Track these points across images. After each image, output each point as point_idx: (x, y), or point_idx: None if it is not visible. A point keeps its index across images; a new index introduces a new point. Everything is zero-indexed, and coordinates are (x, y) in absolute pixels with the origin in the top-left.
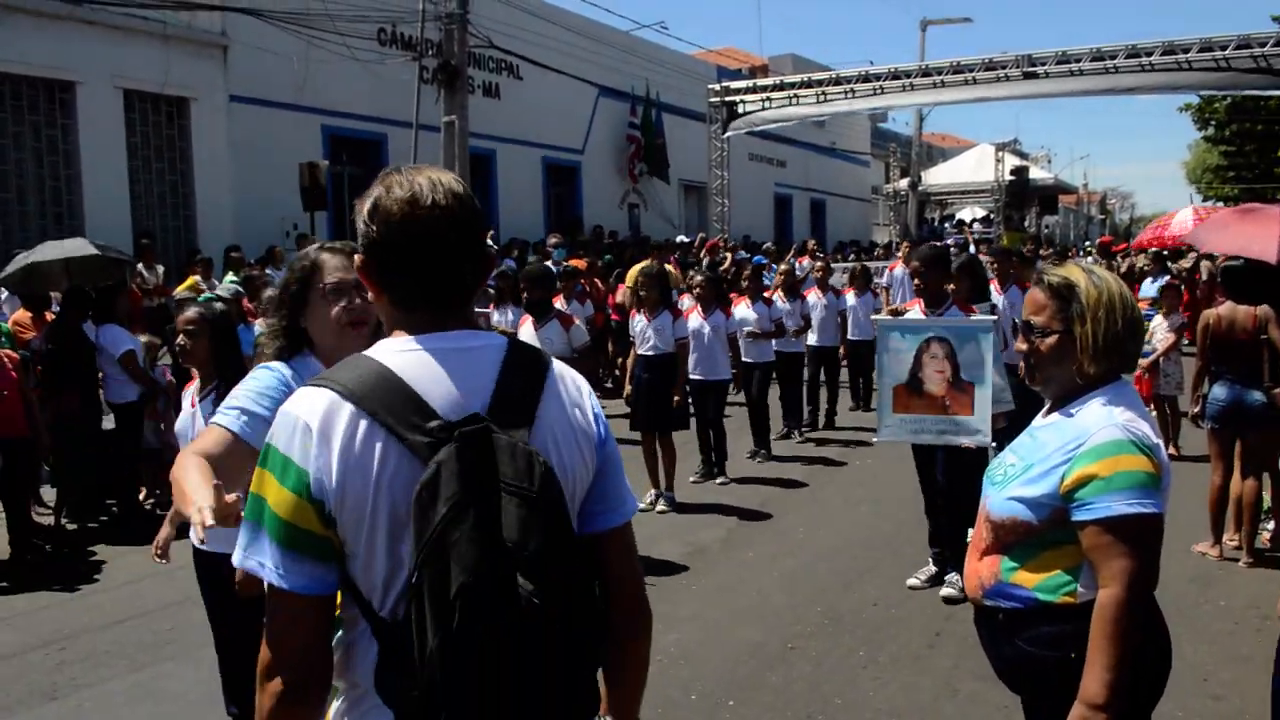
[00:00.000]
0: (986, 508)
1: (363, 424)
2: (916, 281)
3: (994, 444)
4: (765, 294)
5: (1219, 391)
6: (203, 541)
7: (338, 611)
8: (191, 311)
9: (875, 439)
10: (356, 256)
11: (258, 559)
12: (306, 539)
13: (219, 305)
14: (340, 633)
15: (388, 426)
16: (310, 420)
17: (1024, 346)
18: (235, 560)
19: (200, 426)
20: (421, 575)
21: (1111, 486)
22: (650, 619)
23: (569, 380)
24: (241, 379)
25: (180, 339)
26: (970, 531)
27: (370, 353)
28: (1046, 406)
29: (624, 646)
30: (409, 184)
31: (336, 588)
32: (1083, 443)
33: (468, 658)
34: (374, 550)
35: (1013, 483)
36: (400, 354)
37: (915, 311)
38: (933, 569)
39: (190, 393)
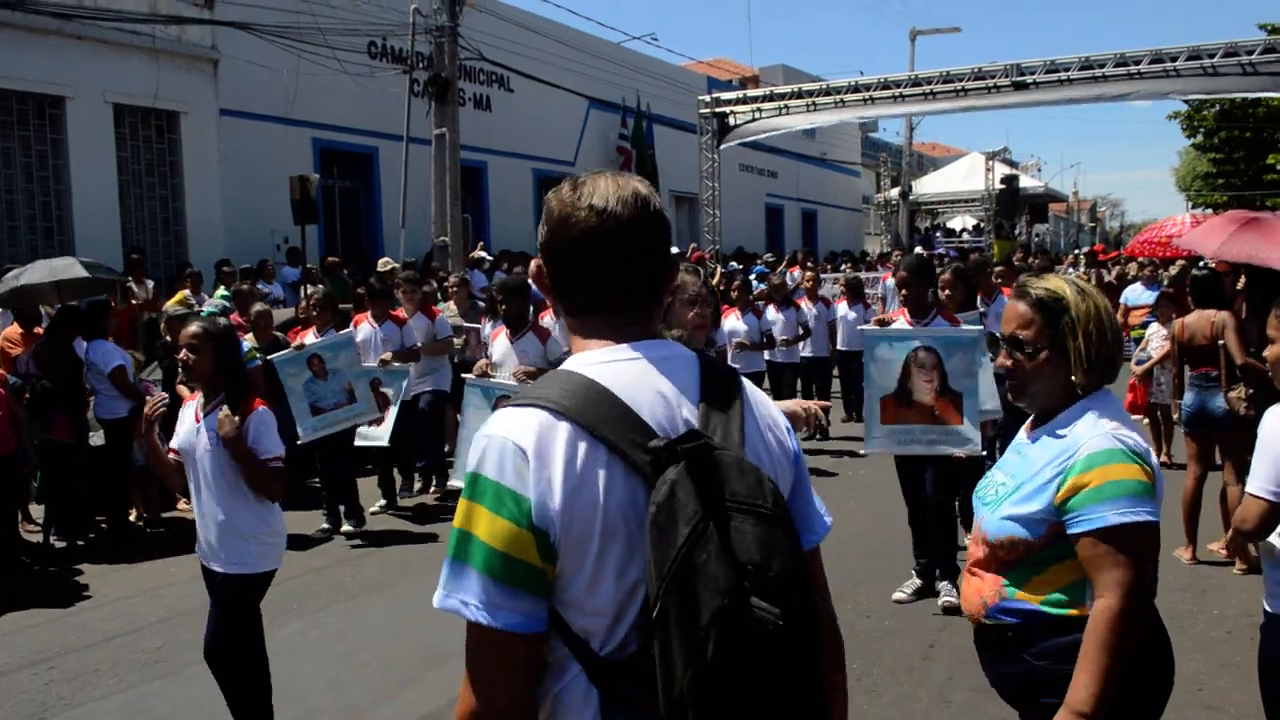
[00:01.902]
0: (982, 528)
1: (582, 444)
2: (903, 291)
3: (984, 451)
4: (754, 305)
5: (1188, 397)
6: None
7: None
8: (195, 326)
9: (864, 450)
10: (534, 263)
11: (460, 598)
12: (523, 572)
13: (222, 320)
14: (546, 680)
15: (609, 444)
16: (523, 442)
17: (1008, 362)
18: (436, 601)
19: (205, 443)
20: (666, 604)
21: (1103, 495)
22: (843, 646)
23: (759, 396)
24: (247, 392)
25: (184, 354)
26: (964, 538)
27: (574, 366)
28: (1030, 420)
29: (829, 676)
30: (581, 188)
31: (547, 627)
32: (1073, 454)
33: (725, 690)
34: (599, 581)
35: (1005, 501)
36: (604, 366)
37: (901, 322)
38: (917, 582)
39: (193, 406)
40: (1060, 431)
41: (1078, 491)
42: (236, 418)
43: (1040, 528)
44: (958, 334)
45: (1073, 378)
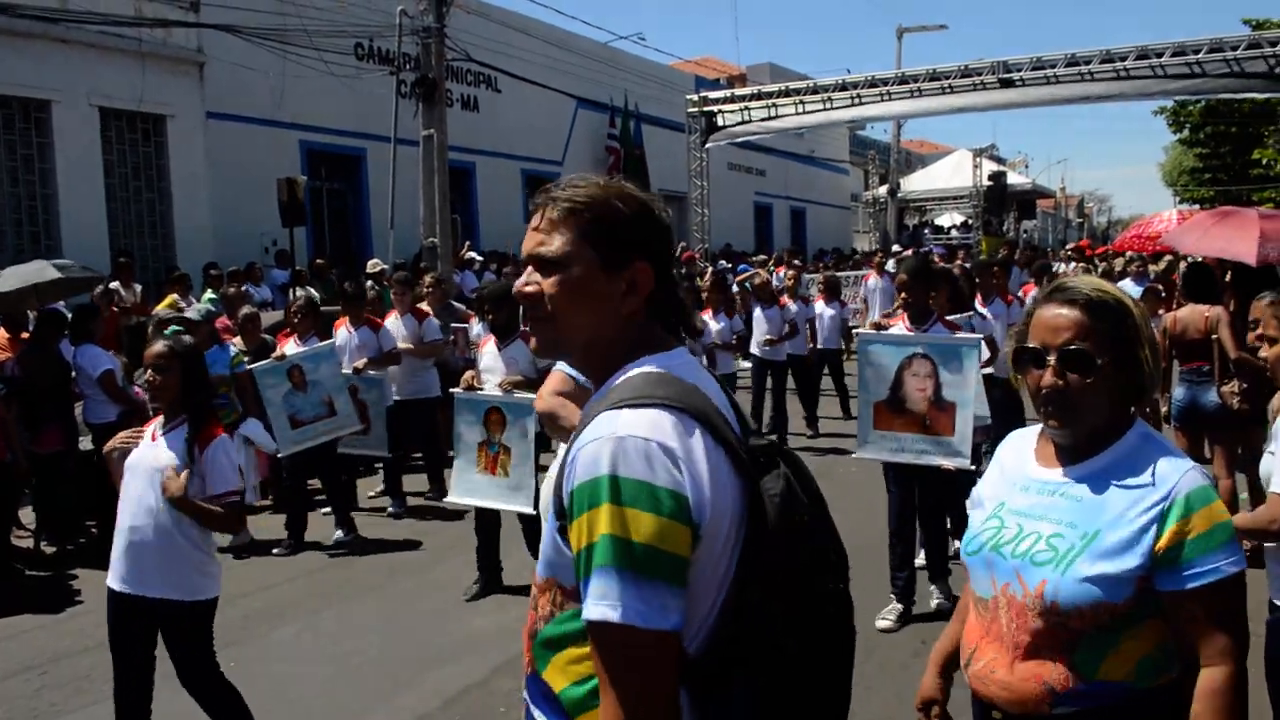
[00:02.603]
0: (1044, 595)
1: (707, 441)
2: (903, 295)
3: (973, 465)
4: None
5: (1178, 392)
6: None
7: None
8: (159, 345)
9: (856, 453)
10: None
11: (636, 607)
12: (684, 569)
13: (186, 337)
14: None
15: (726, 443)
16: (666, 441)
17: (1053, 380)
18: (610, 616)
19: (165, 459)
20: (800, 583)
21: (1214, 543)
22: None
23: None
24: (207, 412)
25: (149, 374)
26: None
27: (665, 367)
28: (1052, 450)
29: None
30: (646, 196)
31: None
32: (1169, 495)
33: (835, 665)
34: (711, 576)
35: (1079, 559)
36: (685, 369)
37: (899, 327)
38: (899, 607)
39: (154, 426)
40: (1133, 469)
41: (1182, 540)
42: (183, 476)
43: (1129, 587)
44: (955, 342)
45: (1134, 395)
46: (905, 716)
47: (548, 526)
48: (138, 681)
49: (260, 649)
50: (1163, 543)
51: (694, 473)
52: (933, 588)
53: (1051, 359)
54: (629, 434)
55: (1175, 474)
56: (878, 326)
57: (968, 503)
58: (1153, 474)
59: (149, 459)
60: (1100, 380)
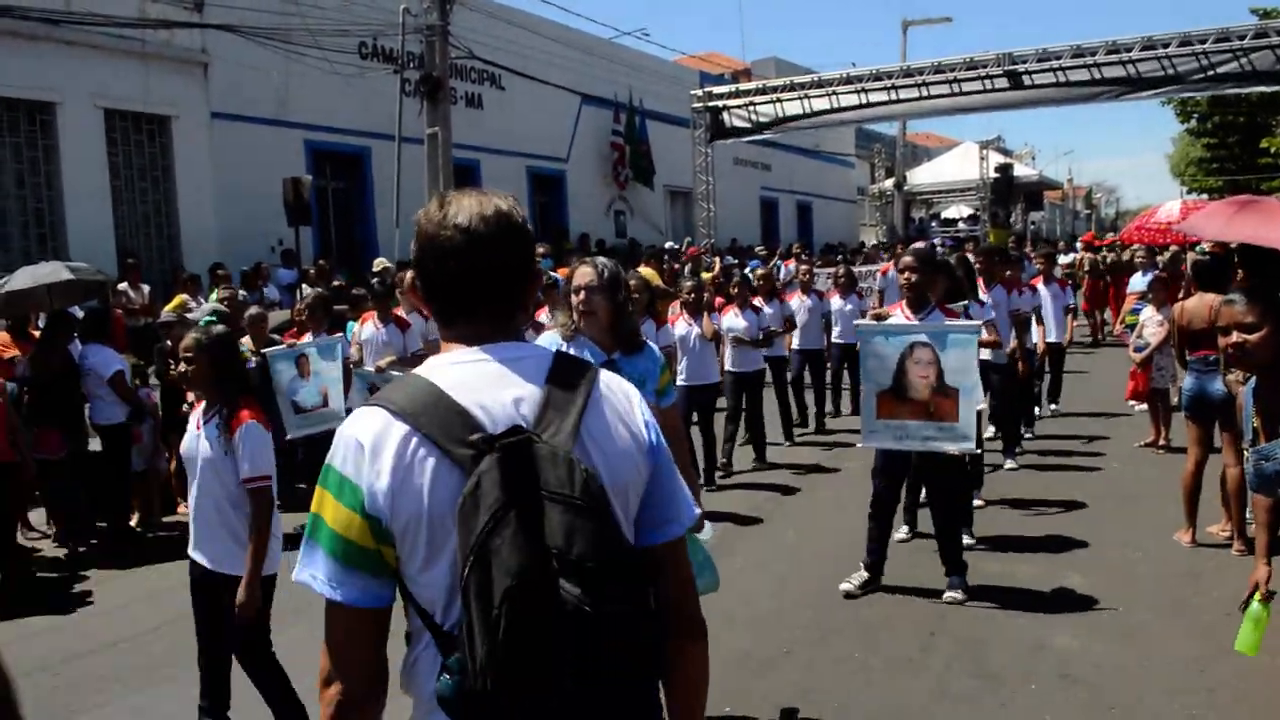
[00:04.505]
0: None
1: (413, 441)
2: (907, 278)
3: (979, 450)
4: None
5: (1187, 381)
6: None
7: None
8: (189, 338)
9: (859, 444)
10: (408, 274)
11: (310, 572)
12: (359, 554)
13: (218, 328)
14: (408, 648)
15: (435, 441)
16: (364, 439)
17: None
18: (294, 575)
19: (205, 450)
20: (468, 584)
21: None
22: (705, 632)
23: (616, 390)
24: (244, 399)
25: (182, 366)
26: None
27: (422, 370)
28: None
29: (679, 660)
30: (446, 206)
31: (389, 601)
32: None
33: (517, 664)
34: (432, 563)
35: None
36: (449, 369)
37: (898, 315)
38: (865, 574)
39: (195, 415)
40: None
41: None
42: (242, 594)
43: None
44: (956, 329)
45: None
46: (909, 710)
47: None
48: (218, 650)
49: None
50: None
51: (382, 466)
52: (951, 580)
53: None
54: (344, 429)
55: None
56: (878, 317)
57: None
58: None
59: (196, 450)
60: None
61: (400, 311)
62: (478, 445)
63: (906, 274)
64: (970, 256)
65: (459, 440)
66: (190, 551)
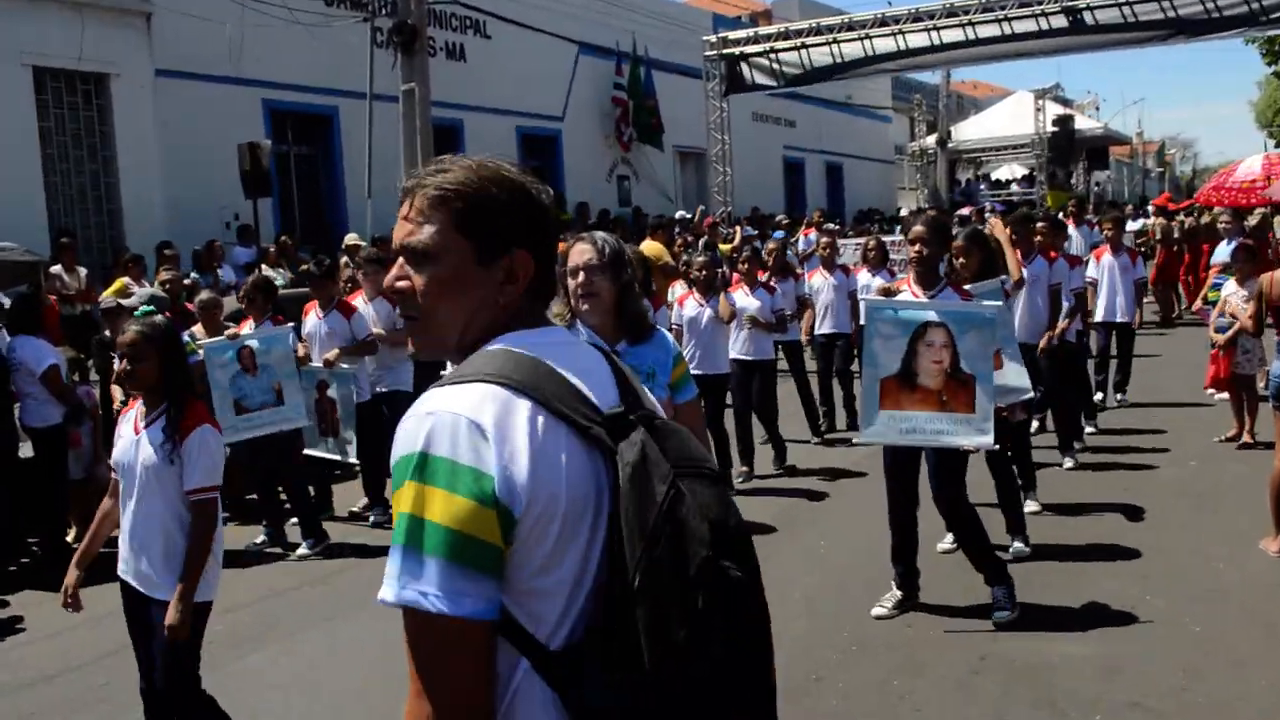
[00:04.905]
0: None
1: (541, 418)
2: (917, 249)
3: (996, 445)
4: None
5: (1276, 366)
6: None
7: None
8: (132, 331)
9: (856, 439)
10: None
11: (418, 589)
12: (485, 554)
13: (160, 319)
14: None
15: (567, 418)
16: (479, 418)
17: None
18: (389, 596)
19: (147, 457)
20: (653, 560)
21: None
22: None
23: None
24: (193, 399)
25: (123, 363)
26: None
27: (506, 345)
28: None
29: None
30: (507, 167)
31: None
32: None
33: (714, 645)
34: (559, 559)
35: None
36: (542, 346)
37: (905, 293)
38: (897, 594)
39: (131, 417)
40: None
41: None
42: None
43: None
44: (974, 310)
45: None
46: None
47: None
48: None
49: (228, 678)
50: None
51: (512, 451)
52: (992, 595)
53: None
54: (441, 409)
55: None
56: (887, 292)
57: None
58: None
59: (136, 457)
60: None
61: (360, 297)
62: (613, 419)
63: (917, 246)
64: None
65: (587, 417)
66: (120, 573)
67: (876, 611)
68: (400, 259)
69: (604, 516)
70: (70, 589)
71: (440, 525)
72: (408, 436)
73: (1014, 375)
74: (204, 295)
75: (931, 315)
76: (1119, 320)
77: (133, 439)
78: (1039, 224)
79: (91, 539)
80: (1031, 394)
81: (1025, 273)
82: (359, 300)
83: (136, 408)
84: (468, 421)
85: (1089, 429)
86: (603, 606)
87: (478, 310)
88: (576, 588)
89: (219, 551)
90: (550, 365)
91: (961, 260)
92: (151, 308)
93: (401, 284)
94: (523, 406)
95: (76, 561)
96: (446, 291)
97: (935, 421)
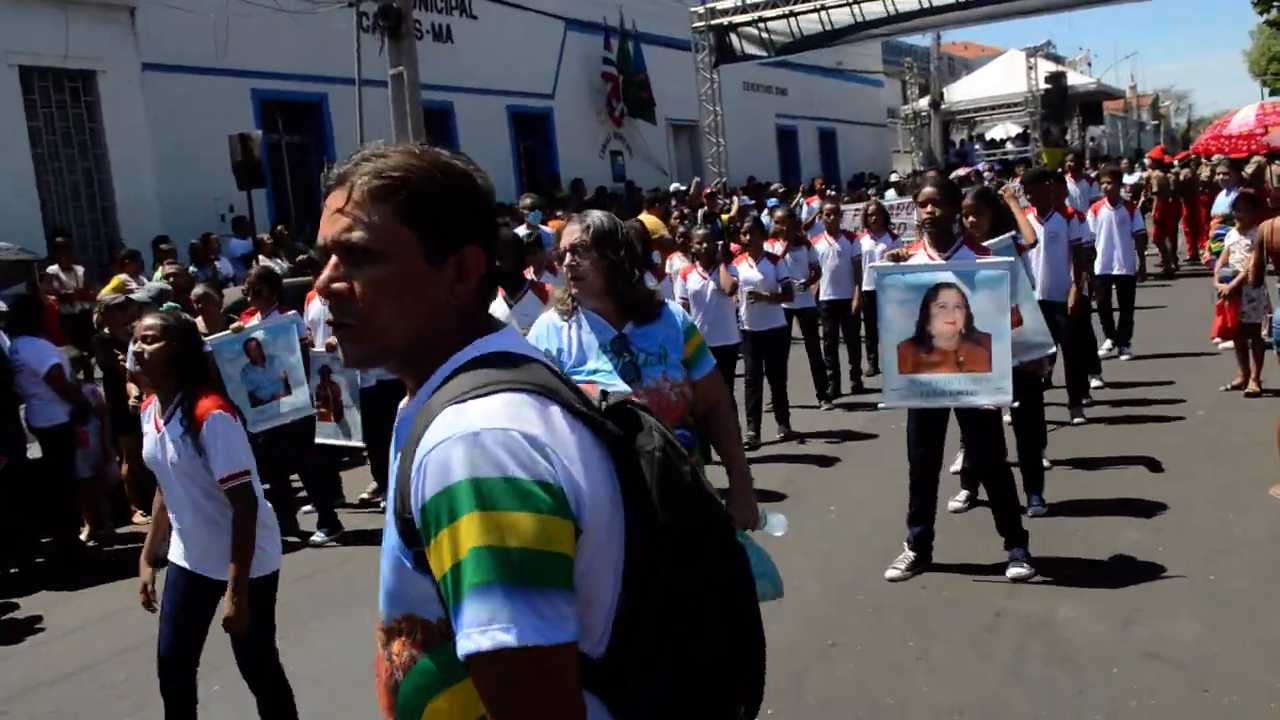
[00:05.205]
0: None
1: (569, 421)
2: (929, 210)
3: (1015, 402)
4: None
5: (1278, 312)
6: None
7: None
8: (151, 319)
9: (881, 404)
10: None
11: (517, 626)
12: (569, 569)
13: (184, 314)
14: None
15: (585, 418)
16: (528, 429)
17: None
18: (485, 644)
19: (173, 454)
20: (707, 539)
21: None
22: None
23: None
24: (205, 392)
25: (140, 345)
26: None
27: (500, 348)
28: None
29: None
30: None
31: None
32: None
33: (716, 622)
34: (605, 564)
35: None
36: (519, 347)
37: (920, 255)
38: (910, 555)
39: (150, 414)
40: None
41: None
42: (230, 608)
43: None
44: (984, 266)
45: None
46: (979, 701)
47: (390, 551)
48: (186, 661)
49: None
50: None
51: (564, 458)
52: (1014, 554)
53: None
54: (484, 426)
55: None
56: (896, 257)
57: None
58: None
59: (162, 455)
60: None
61: None
62: (617, 412)
63: (929, 207)
64: (1016, 183)
65: (599, 413)
66: (172, 558)
67: (890, 574)
68: (334, 258)
69: (620, 512)
70: (149, 586)
71: (527, 549)
72: (448, 465)
73: (1033, 330)
74: (199, 289)
75: (941, 277)
76: (1118, 273)
77: (155, 436)
78: (1049, 181)
79: (153, 533)
80: (1054, 348)
81: (1042, 231)
82: None
83: (153, 404)
84: (519, 434)
85: (1095, 383)
86: (631, 607)
87: (427, 314)
88: (612, 594)
89: (271, 522)
90: (545, 365)
91: (972, 219)
92: (175, 304)
93: (338, 286)
94: (555, 412)
95: (145, 558)
96: (392, 294)
97: (955, 382)
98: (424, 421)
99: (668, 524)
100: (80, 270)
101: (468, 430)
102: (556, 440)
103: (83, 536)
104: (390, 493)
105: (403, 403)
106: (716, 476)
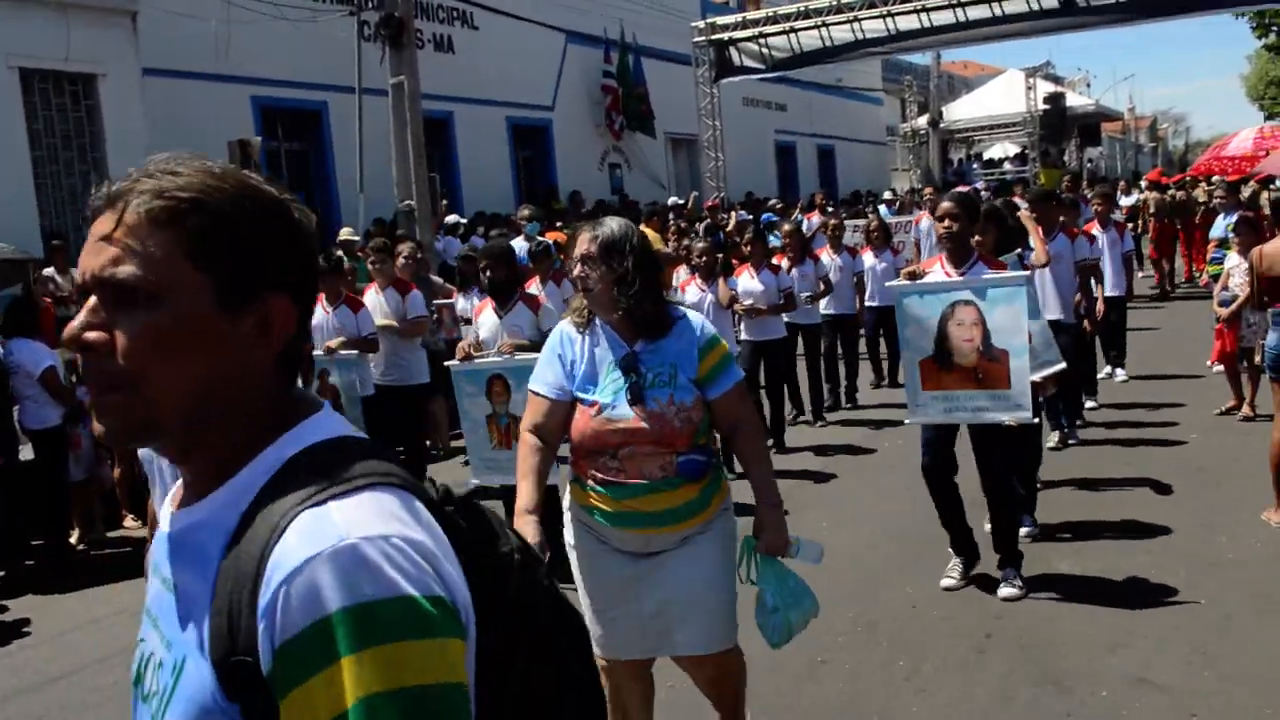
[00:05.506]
0: None
1: (431, 516)
2: (947, 225)
3: (1035, 419)
4: (774, 260)
5: (1271, 337)
6: None
7: None
8: None
9: (907, 420)
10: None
11: None
12: (469, 697)
13: None
14: None
15: (436, 510)
16: (408, 532)
17: None
18: None
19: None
20: (558, 636)
21: None
22: None
23: None
24: None
25: None
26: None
27: (339, 432)
28: None
29: None
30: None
31: None
32: None
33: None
34: (470, 669)
35: None
36: (354, 430)
37: (937, 271)
38: (958, 561)
39: None
40: None
41: None
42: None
43: None
44: (1000, 281)
45: None
46: None
47: (186, 708)
48: None
49: None
50: None
51: (448, 562)
52: (1005, 573)
53: None
54: (361, 535)
55: None
56: (913, 275)
57: None
58: None
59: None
60: None
61: (374, 286)
62: (455, 499)
63: (946, 222)
64: (1019, 201)
65: (449, 505)
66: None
67: (945, 583)
68: (93, 299)
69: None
70: None
71: (427, 686)
72: (317, 591)
73: (1042, 347)
74: None
75: (958, 295)
76: (1109, 294)
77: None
78: (1055, 201)
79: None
80: (1062, 365)
81: (1050, 250)
82: (369, 293)
83: None
84: (401, 540)
85: (1090, 404)
86: (485, 705)
87: (215, 380)
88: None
89: None
90: (386, 450)
91: (978, 238)
92: None
93: (92, 336)
94: (421, 508)
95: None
96: (166, 349)
97: (975, 399)
98: (262, 534)
99: (526, 619)
100: (76, 273)
101: (339, 542)
102: (436, 542)
103: (73, 539)
104: (185, 627)
105: (167, 505)
106: (742, 492)
